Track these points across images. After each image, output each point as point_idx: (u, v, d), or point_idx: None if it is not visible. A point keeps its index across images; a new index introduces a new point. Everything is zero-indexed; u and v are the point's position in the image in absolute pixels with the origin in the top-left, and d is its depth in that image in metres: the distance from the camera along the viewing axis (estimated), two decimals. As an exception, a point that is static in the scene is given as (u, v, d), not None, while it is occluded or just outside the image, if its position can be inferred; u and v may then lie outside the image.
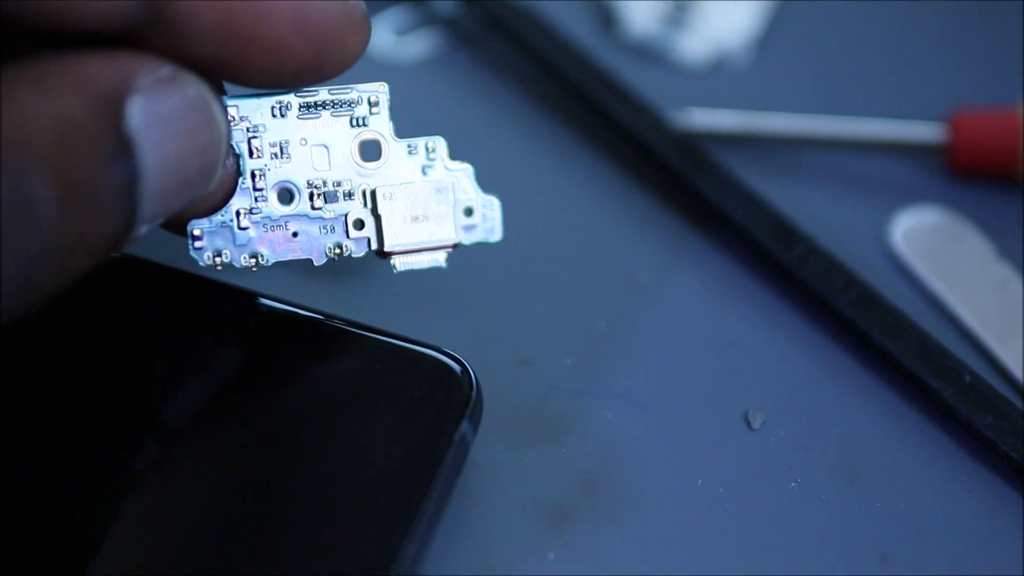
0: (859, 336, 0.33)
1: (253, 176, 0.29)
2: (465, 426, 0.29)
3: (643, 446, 0.31)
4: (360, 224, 0.29)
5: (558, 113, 0.38)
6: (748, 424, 0.32)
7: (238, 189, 0.29)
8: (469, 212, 0.30)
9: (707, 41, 0.40)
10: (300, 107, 0.29)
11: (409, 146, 0.30)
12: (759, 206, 0.35)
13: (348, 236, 0.29)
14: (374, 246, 0.30)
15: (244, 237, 0.29)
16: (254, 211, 0.29)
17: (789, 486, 0.31)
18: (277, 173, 0.29)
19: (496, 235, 0.30)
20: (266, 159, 0.29)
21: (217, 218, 0.29)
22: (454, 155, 0.30)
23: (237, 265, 0.29)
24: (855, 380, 0.33)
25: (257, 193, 0.29)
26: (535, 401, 0.32)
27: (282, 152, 0.29)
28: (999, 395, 0.32)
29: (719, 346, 0.33)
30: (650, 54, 0.39)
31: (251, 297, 0.31)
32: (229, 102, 0.28)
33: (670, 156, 0.36)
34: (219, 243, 0.29)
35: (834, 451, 0.32)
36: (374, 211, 0.29)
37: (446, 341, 0.30)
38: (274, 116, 0.29)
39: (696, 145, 0.36)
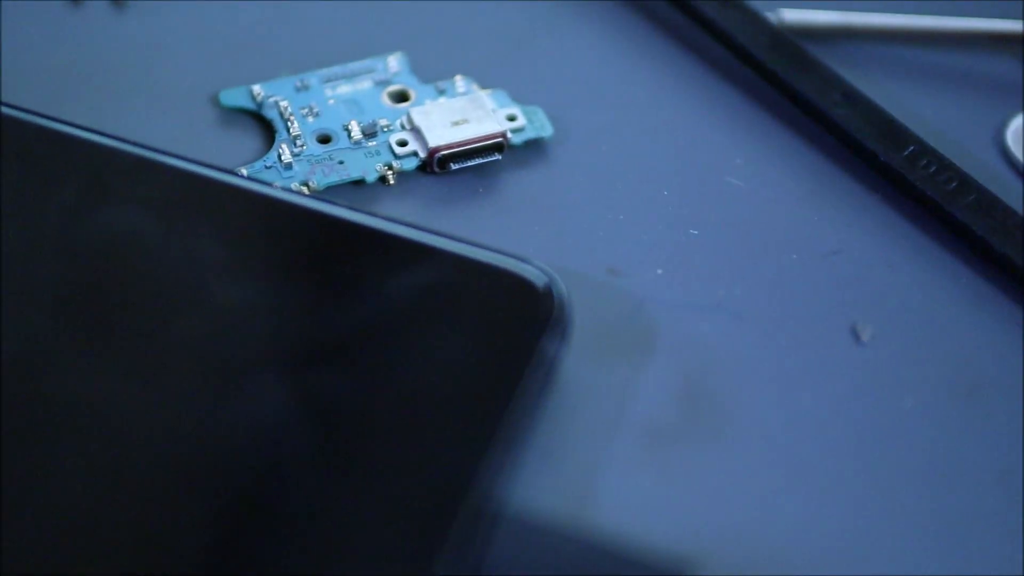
0: (975, 242, 0.31)
1: (288, 129, 0.31)
2: (550, 341, 0.27)
3: (742, 361, 0.29)
4: (403, 143, 0.31)
5: (645, 12, 0.36)
6: (856, 337, 0.30)
7: (276, 141, 0.30)
8: (512, 118, 0.31)
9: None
10: (323, 81, 0.32)
11: (437, 87, 0.32)
12: (862, 104, 0.33)
13: (395, 157, 0.31)
14: (422, 154, 0.31)
15: (290, 172, 0.30)
16: (295, 152, 0.30)
17: (903, 403, 0.29)
18: (313, 125, 0.31)
19: (547, 131, 0.32)
20: (299, 117, 0.31)
21: (259, 163, 0.30)
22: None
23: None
24: (971, 288, 0.31)
25: (296, 139, 0.31)
26: (625, 313, 0.30)
27: (313, 110, 0.31)
28: None
29: (822, 254, 0.31)
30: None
31: (311, 204, 0.29)
32: (253, 86, 0.31)
33: (765, 54, 0.34)
34: (268, 178, 0.30)
35: (951, 365, 0.29)
36: (412, 127, 0.31)
37: (528, 249, 0.28)
38: (297, 90, 0.31)
39: (792, 42, 0.34)
